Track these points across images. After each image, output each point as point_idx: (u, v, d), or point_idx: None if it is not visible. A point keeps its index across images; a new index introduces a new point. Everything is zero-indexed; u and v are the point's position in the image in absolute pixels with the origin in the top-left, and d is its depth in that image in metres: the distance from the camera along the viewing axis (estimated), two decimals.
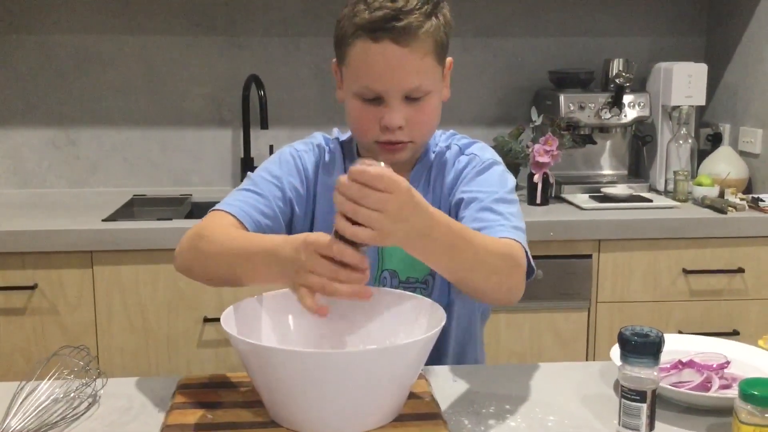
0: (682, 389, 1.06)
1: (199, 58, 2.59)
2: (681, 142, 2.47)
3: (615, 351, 1.10)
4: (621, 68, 2.51)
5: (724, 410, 1.00)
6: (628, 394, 0.91)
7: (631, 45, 2.71)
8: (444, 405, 1.03)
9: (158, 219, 2.14)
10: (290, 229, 1.25)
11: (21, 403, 0.99)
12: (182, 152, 2.63)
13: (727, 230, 2.19)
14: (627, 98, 2.48)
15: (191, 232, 1.16)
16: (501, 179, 1.22)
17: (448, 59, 1.21)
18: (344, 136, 1.32)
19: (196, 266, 1.15)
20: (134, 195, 2.51)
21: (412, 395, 1.01)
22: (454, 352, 1.29)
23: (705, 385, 1.08)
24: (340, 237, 0.92)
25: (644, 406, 0.91)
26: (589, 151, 2.57)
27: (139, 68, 2.57)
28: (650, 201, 2.34)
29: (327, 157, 1.29)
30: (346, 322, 1.09)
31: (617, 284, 2.19)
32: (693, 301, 2.22)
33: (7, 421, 0.95)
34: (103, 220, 2.10)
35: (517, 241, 1.10)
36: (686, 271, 2.20)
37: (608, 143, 2.59)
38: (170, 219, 2.15)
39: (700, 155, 2.52)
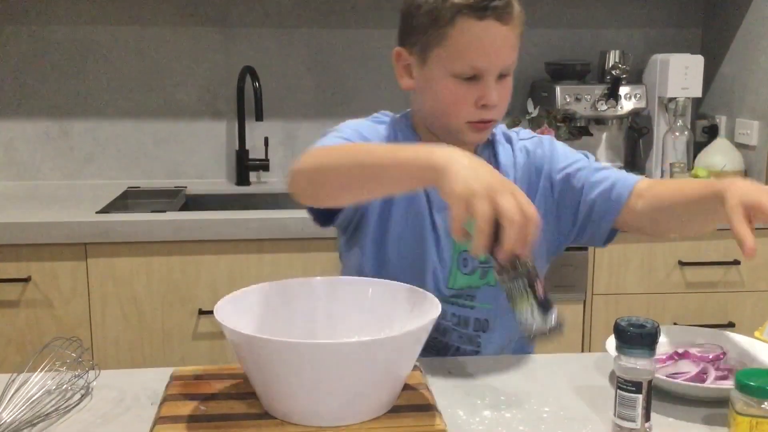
0: (678, 380, 1.06)
1: (193, 50, 2.58)
2: (677, 134, 2.47)
3: (611, 342, 1.10)
4: (617, 60, 2.50)
5: (720, 401, 0.99)
6: (624, 385, 0.91)
7: (628, 37, 2.71)
8: (439, 396, 1.03)
9: (152, 211, 2.13)
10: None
11: (12, 395, 0.98)
12: (177, 144, 2.62)
13: (723, 222, 2.18)
14: (623, 90, 2.48)
15: (310, 153, 1.10)
16: (567, 147, 1.33)
17: None
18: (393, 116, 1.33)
19: (323, 181, 1.08)
20: (128, 187, 2.50)
21: (406, 386, 1.00)
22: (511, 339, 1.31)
23: (701, 376, 1.08)
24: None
25: (640, 397, 0.90)
26: (585, 142, 2.56)
27: (134, 60, 2.56)
28: None
29: (402, 137, 1.28)
30: (341, 313, 1.08)
31: (613, 276, 2.19)
32: (688, 293, 2.22)
33: None
34: (97, 212, 2.09)
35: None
36: (682, 263, 2.19)
37: (604, 135, 2.59)
38: (164, 211, 2.14)
39: (696, 147, 2.52)
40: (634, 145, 2.63)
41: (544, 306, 0.91)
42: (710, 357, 1.11)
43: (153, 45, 2.56)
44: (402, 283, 1.10)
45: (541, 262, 1.29)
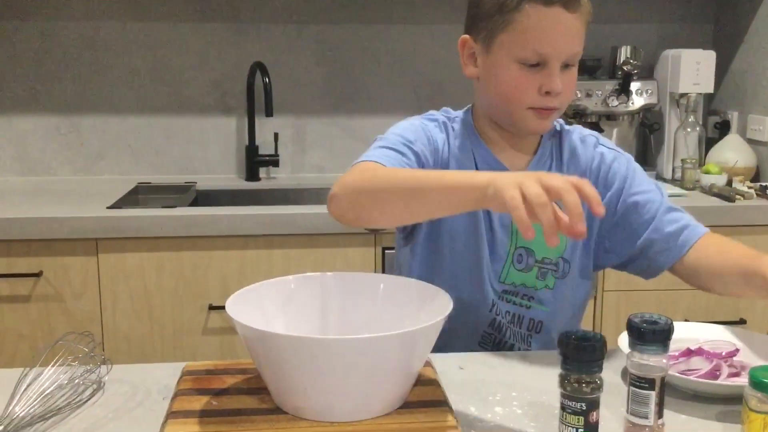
0: (691, 377, 1.05)
1: (203, 45, 2.58)
2: (689, 129, 2.46)
3: (623, 338, 1.09)
4: (628, 55, 2.49)
5: (734, 398, 0.99)
6: (637, 381, 0.90)
7: (639, 32, 2.69)
8: (450, 392, 1.03)
9: (163, 207, 2.14)
10: None
11: (25, 389, 0.98)
12: (187, 140, 2.62)
13: (735, 218, 2.17)
14: (634, 85, 2.46)
15: (353, 174, 1.11)
16: (645, 174, 1.34)
17: None
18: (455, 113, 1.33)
19: (365, 203, 1.08)
20: (139, 183, 2.51)
21: (418, 382, 1.00)
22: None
23: (714, 373, 1.07)
24: None
25: (653, 394, 0.90)
26: None
27: (144, 55, 2.56)
28: None
29: (455, 135, 1.28)
30: (352, 309, 1.08)
31: (624, 273, 2.17)
32: (700, 290, 2.20)
33: (11, 407, 0.95)
34: (107, 208, 2.10)
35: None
36: None
37: (615, 131, 2.57)
38: (175, 207, 2.14)
39: (707, 143, 2.51)
40: (646, 141, 2.62)
41: None
42: (723, 353, 1.11)
43: (163, 41, 2.56)
44: (413, 279, 1.10)
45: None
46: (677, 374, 1.05)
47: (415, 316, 1.02)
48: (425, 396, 0.99)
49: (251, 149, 2.59)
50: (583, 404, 0.87)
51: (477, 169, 1.25)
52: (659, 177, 2.52)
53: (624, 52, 2.50)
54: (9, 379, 1.01)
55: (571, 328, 1.32)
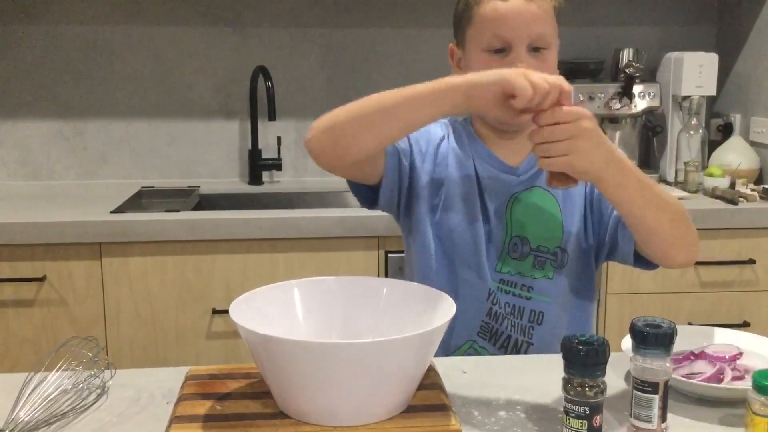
0: (694, 381, 1.05)
1: (206, 49, 2.59)
2: (691, 132, 2.45)
3: (626, 342, 1.09)
4: (631, 58, 2.49)
5: (737, 402, 0.99)
6: (640, 385, 0.90)
7: (641, 34, 2.69)
8: (454, 396, 1.03)
9: (166, 210, 2.14)
10: (409, 180, 1.29)
11: (29, 394, 0.98)
12: (190, 144, 2.63)
13: (738, 221, 2.17)
14: (637, 88, 2.46)
15: (325, 115, 1.15)
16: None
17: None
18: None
19: (346, 130, 1.13)
20: (142, 187, 2.51)
21: (421, 386, 1.00)
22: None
23: (717, 377, 1.07)
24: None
25: (656, 398, 0.90)
26: None
27: (147, 59, 2.57)
28: None
29: (456, 134, 1.35)
30: (355, 313, 1.08)
31: (627, 276, 2.18)
32: (703, 293, 2.20)
33: (16, 412, 0.95)
34: (111, 212, 2.10)
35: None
36: (696, 263, 2.18)
37: (618, 134, 2.58)
38: (178, 211, 2.15)
39: (710, 146, 2.50)
40: (648, 144, 2.62)
41: None
42: (727, 357, 1.11)
43: (166, 45, 2.57)
44: (417, 284, 1.10)
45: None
46: (680, 378, 1.04)
47: (418, 320, 1.02)
48: (429, 400, 0.99)
49: (254, 153, 2.59)
50: (587, 408, 0.87)
51: (475, 166, 1.31)
52: (662, 180, 2.52)
53: (626, 55, 2.50)
54: (13, 384, 1.01)
55: (579, 326, 1.33)
